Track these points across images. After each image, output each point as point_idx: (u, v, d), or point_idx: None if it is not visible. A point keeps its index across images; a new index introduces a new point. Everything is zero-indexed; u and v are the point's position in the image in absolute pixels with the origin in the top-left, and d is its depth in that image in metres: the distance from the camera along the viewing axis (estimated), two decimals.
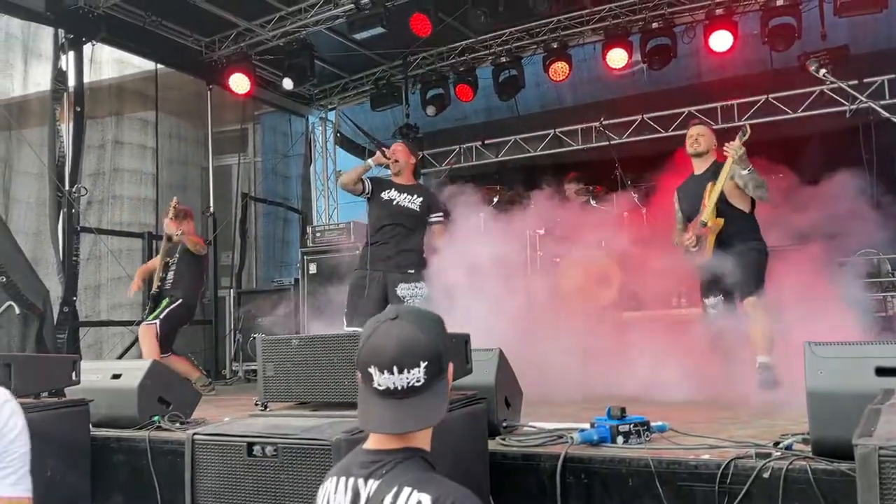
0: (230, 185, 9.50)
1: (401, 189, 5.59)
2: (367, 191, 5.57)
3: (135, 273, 6.99)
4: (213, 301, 8.78)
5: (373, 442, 1.70)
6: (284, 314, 8.03)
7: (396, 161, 5.55)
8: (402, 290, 5.23)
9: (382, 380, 1.64)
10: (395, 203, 5.53)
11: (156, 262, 6.58)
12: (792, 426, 2.87)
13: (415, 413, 1.65)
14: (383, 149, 5.62)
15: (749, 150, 4.68)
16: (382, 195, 5.55)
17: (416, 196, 5.56)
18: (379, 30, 7.66)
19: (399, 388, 1.64)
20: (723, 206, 4.82)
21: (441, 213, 5.61)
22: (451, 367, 1.76)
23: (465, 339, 3.16)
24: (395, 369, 1.63)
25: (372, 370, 1.65)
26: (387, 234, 5.47)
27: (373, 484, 1.62)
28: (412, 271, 5.33)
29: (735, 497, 2.52)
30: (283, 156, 10.12)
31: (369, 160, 5.61)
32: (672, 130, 8.16)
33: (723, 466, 2.56)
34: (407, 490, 1.58)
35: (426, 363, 1.65)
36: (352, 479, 1.66)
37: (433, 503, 1.55)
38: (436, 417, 1.67)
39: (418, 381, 1.65)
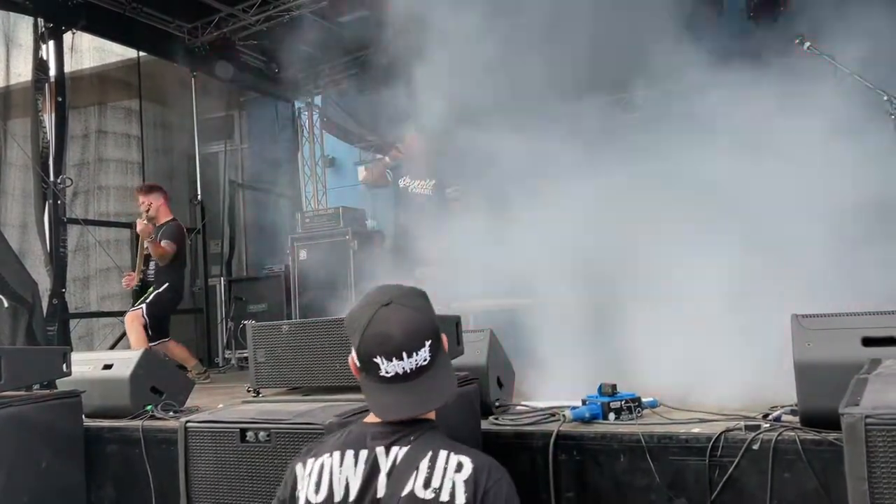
0: (217, 173, 9.43)
1: (413, 175, 5.95)
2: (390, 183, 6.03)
3: (124, 263, 6.92)
4: (204, 289, 8.75)
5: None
6: (275, 301, 8.03)
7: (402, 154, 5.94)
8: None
9: (390, 367, 1.64)
10: (409, 190, 5.93)
11: None
12: (781, 398, 2.90)
13: (430, 390, 1.67)
14: (397, 145, 6.06)
15: None
16: (399, 183, 5.96)
17: (427, 180, 5.86)
18: (364, 12, 7.61)
19: (408, 371, 1.64)
20: None
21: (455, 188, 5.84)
22: (444, 336, 1.77)
23: (455, 321, 3.17)
24: (403, 355, 1.64)
25: (378, 360, 1.64)
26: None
27: (399, 451, 1.64)
28: None
29: (726, 470, 2.55)
30: (271, 142, 10.05)
31: (386, 157, 6.08)
32: None
33: (713, 440, 2.58)
34: (444, 453, 1.62)
35: (430, 342, 1.67)
36: (364, 451, 1.66)
37: (473, 464, 1.60)
38: (452, 389, 1.71)
39: (425, 361, 1.66)
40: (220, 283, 8.90)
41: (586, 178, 4.21)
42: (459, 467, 1.60)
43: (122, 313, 7.66)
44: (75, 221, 7.41)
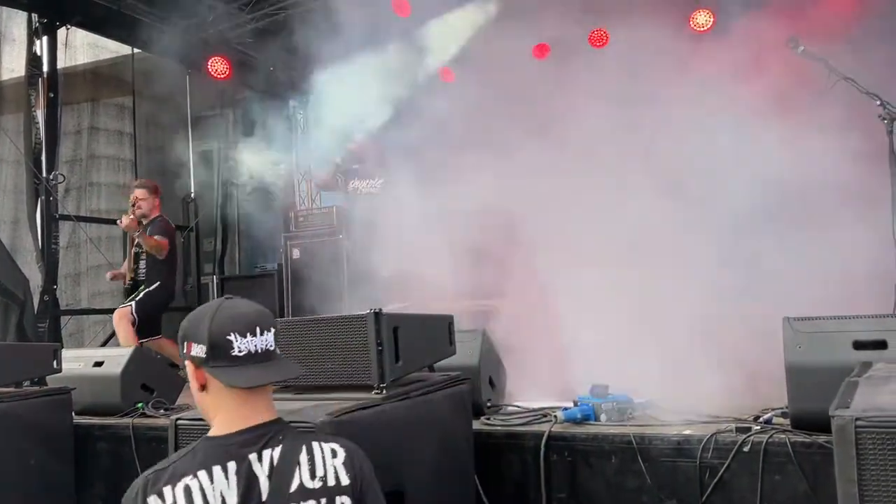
0: (211, 171, 9.40)
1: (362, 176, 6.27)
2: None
3: (115, 260, 6.88)
4: (196, 288, 8.72)
5: (239, 423, 1.70)
6: (268, 299, 8.00)
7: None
8: None
9: (244, 344, 1.70)
10: (359, 192, 6.36)
11: None
12: (772, 401, 2.91)
13: (283, 364, 1.79)
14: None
15: None
16: (349, 187, 6.33)
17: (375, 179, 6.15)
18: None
19: (259, 350, 1.72)
20: None
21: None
22: None
23: (448, 321, 3.16)
24: (256, 331, 1.72)
25: (231, 337, 1.70)
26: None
27: (272, 452, 1.68)
28: None
29: (717, 471, 2.56)
30: (265, 140, 10.01)
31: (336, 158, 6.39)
32: None
33: (704, 441, 2.59)
34: (316, 444, 1.72)
35: (274, 331, 1.77)
36: (232, 463, 1.65)
37: (344, 448, 1.74)
38: (297, 370, 1.85)
39: (271, 346, 1.75)
40: (213, 282, 8.86)
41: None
42: (334, 453, 1.72)
43: (113, 310, 7.65)
44: (67, 218, 7.37)
